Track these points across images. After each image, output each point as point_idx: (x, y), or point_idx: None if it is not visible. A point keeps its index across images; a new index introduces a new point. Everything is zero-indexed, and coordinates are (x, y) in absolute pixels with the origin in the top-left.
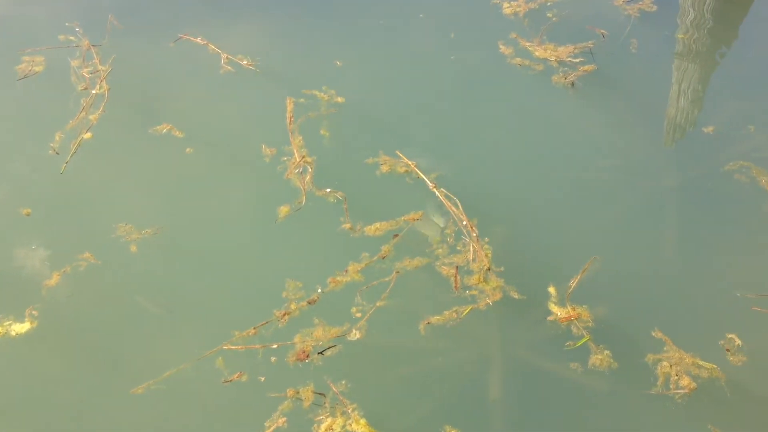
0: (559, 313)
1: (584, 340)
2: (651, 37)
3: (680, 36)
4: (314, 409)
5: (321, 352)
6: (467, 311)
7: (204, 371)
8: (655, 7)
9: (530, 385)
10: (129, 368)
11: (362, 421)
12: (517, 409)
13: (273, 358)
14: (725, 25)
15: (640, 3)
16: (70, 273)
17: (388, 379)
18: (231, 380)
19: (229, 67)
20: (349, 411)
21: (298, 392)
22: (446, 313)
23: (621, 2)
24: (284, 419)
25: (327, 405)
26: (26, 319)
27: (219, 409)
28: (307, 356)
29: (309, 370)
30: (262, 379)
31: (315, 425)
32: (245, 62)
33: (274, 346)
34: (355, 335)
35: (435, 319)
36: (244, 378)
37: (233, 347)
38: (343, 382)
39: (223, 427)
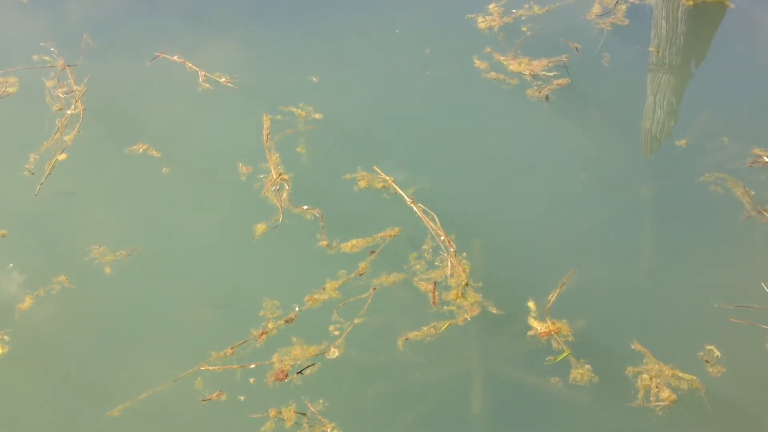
0: (539, 328)
1: (564, 354)
2: (624, 51)
3: (653, 50)
4: (294, 430)
5: (300, 371)
6: (445, 327)
7: (182, 392)
8: (627, 21)
9: (511, 399)
10: (105, 390)
11: None
12: (498, 424)
13: (251, 379)
14: (698, 39)
15: (613, 17)
16: (43, 296)
17: (367, 396)
18: (210, 399)
19: (207, 85)
20: (328, 430)
21: (280, 412)
22: (424, 328)
23: (594, 16)
24: None
25: (306, 425)
26: None
27: (198, 430)
28: (286, 376)
29: (288, 390)
30: (242, 398)
31: None
32: (223, 79)
33: (252, 366)
34: (334, 353)
35: (413, 335)
36: (223, 398)
37: (211, 368)
38: (321, 401)
39: None
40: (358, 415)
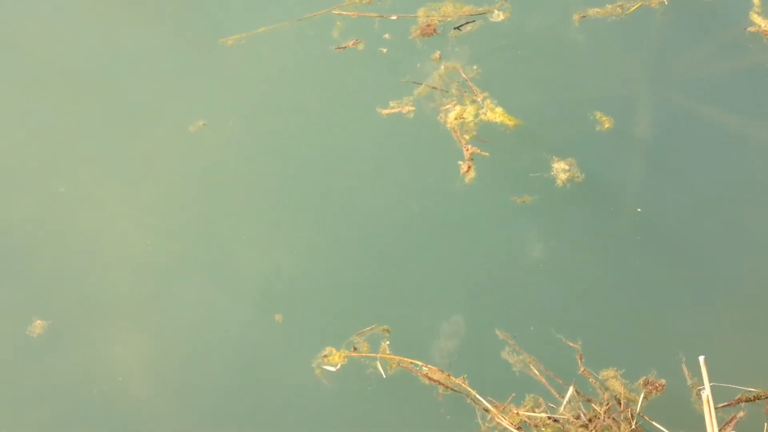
0: (762, 25)
1: None
2: None
3: None
4: (439, 98)
5: (458, 27)
6: (635, 7)
7: (310, 34)
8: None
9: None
10: (216, 19)
11: (498, 109)
12: None
13: (386, 35)
14: None
15: None
16: None
17: (528, 69)
18: (344, 47)
19: None
20: (480, 100)
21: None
22: (609, 6)
23: None
24: (412, 108)
25: (454, 92)
26: None
27: (330, 74)
28: (434, 31)
29: (436, 48)
30: (384, 50)
31: (441, 114)
32: None
33: (393, 17)
34: (499, 16)
35: (593, 11)
36: (360, 47)
37: (344, 12)
38: (475, 68)
39: (335, 101)
40: (515, 86)
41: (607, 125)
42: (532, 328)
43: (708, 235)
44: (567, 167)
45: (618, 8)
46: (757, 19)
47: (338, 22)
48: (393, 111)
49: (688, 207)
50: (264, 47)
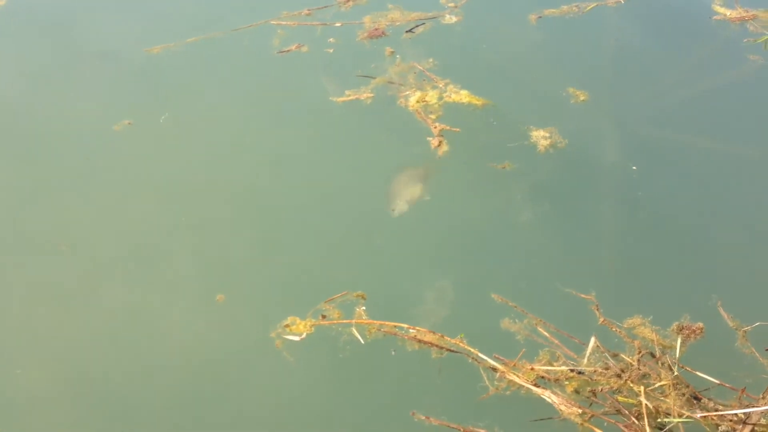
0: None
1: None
2: None
3: None
4: (396, 87)
5: (410, 30)
6: (591, 7)
7: (247, 44)
8: None
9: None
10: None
11: (463, 92)
12: None
13: (331, 39)
14: None
15: None
16: None
17: (488, 60)
18: (288, 50)
19: None
20: (441, 85)
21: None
22: (564, 7)
23: None
24: (371, 95)
25: (412, 81)
26: None
27: (276, 74)
28: (383, 33)
29: (387, 47)
30: (330, 50)
31: (401, 100)
32: None
33: (338, 24)
34: (451, 19)
35: (549, 12)
36: (304, 49)
37: (283, 22)
38: (431, 60)
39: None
40: (476, 76)
41: (582, 98)
42: (523, 285)
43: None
44: (548, 134)
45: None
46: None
47: (279, 31)
48: (349, 98)
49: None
50: (199, 55)
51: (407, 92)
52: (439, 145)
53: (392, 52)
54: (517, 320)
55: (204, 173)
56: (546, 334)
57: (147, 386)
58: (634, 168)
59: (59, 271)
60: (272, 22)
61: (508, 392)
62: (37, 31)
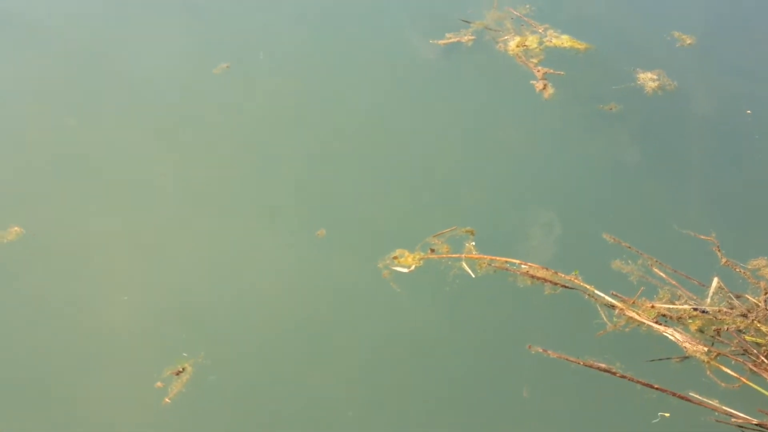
0: None
1: None
2: None
3: None
4: (493, 32)
5: None
6: None
7: None
8: None
9: None
10: None
11: (564, 36)
12: None
13: None
14: None
15: None
16: None
17: (582, 5)
18: None
19: None
20: (541, 30)
21: None
22: None
23: None
24: (472, 37)
25: (510, 27)
26: None
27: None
28: None
29: None
30: None
31: (500, 44)
32: None
33: None
34: None
35: None
36: None
37: None
38: (528, 6)
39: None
40: (575, 21)
41: (688, 41)
42: (635, 225)
43: None
44: (655, 77)
45: None
46: None
47: None
48: (450, 41)
49: None
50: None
51: (506, 37)
52: (544, 88)
53: None
54: (629, 261)
55: (313, 110)
56: (662, 275)
57: (252, 318)
58: (749, 112)
59: (176, 211)
60: None
61: (626, 329)
62: None
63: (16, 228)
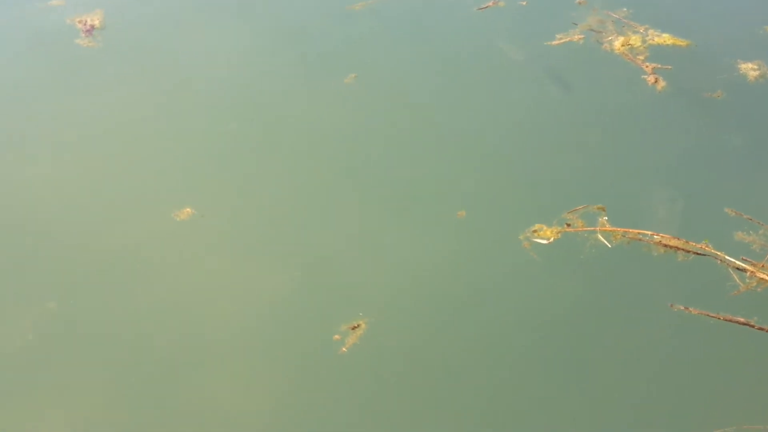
0: None
1: None
2: None
3: None
4: (596, 34)
5: None
6: None
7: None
8: None
9: None
10: None
11: (665, 35)
12: None
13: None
14: None
15: None
16: None
17: (677, 6)
18: (485, 7)
19: None
20: (642, 30)
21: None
22: None
23: None
24: (582, 36)
25: (611, 28)
26: None
27: (480, 27)
28: None
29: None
30: (524, 3)
31: (605, 44)
32: None
33: None
34: None
35: None
36: (501, 4)
37: None
38: (625, 10)
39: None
40: (673, 21)
41: None
42: (753, 200)
43: None
44: (756, 67)
45: None
46: None
47: None
48: (562, 41)
49: None
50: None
51: (609, 38)
52: (656, 82)
53: (582, 2)
54: (751, 231)
55: (451, 111)
56: None
57: (409, 289)
58: None
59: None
60: None
61: (759, 289)
62: None
63: (188, 209)
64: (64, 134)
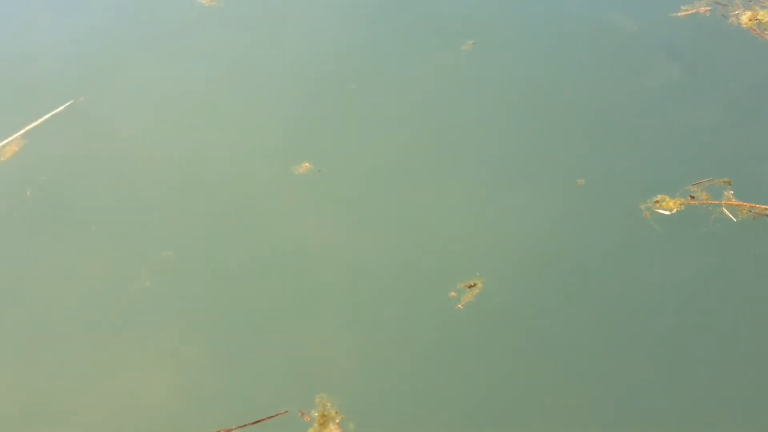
0: None
1: None
2: None
3: None
4: (722, 8)
5: None
6: None
7: None
8: None
9: None
10: None
11: None
12: None
13: None
14: None
15: None
16: None
17: None
18: None
19: None
20: None
21: None
22: None
23: None
24: (708, 8)
25: (738, 2)
26: None
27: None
28: None
29: None
30: None
31: (732, 19)
32: None
33: None
34: None
35: None
36: None
37: None
38: None
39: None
40: None
41: None
42: None
43: None
44: None
45: None
46: None
47: None
48: (688, 13)
49: None
50: None
51: (736, 12)
52: None
53: None
54: None
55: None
56: None
57: (522, 253)
58: None
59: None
60: None
61: None
62: None
63: (306, 164)
64: (190, 85)
